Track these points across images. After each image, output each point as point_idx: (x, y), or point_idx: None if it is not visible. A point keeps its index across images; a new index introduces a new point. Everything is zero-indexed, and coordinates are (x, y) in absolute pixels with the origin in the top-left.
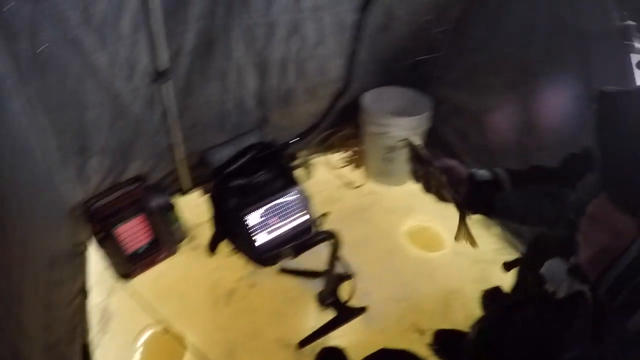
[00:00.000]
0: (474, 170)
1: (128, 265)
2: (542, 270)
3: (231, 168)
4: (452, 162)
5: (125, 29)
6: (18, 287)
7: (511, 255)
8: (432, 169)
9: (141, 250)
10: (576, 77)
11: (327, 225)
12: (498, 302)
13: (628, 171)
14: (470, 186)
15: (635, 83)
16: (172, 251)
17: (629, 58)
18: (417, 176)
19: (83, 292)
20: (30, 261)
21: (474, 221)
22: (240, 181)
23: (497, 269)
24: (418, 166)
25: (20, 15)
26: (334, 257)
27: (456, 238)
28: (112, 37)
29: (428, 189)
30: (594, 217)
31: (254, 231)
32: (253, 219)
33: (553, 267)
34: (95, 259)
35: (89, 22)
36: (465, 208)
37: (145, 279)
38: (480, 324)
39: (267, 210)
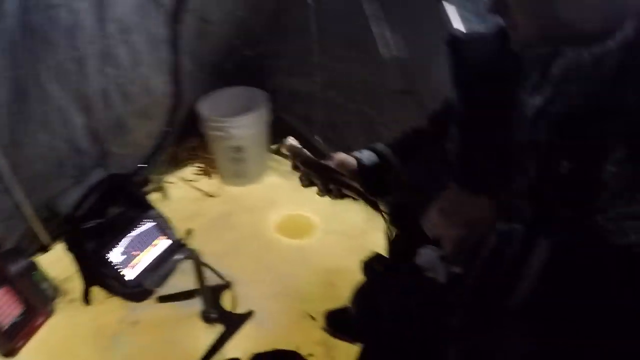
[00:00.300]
0: (357, 154)
1: (7, 342)
2: (418, 261)
3: (81, 211)
4: (340, 156)
5: None
6: None
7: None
8: (324, 170)
9: (16, 322)
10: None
11: (193, 240)
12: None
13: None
14: (361, 174)
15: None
16: (48, 313)
17: None
18: (309, 182)
19: None
20: None
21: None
22: (93, 222)
23: (372, 236)
24: (308, 171)
25: None
26: (200, 271)
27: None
28: None
29: (326, 191)
30: (445, 210)
31: (119, 269)
32: (115, 257)
33: (427, 257)
34: None
35: None
36: (371, 197)
37: (30, 350)
38: (356, 294)
39: (127, 243)
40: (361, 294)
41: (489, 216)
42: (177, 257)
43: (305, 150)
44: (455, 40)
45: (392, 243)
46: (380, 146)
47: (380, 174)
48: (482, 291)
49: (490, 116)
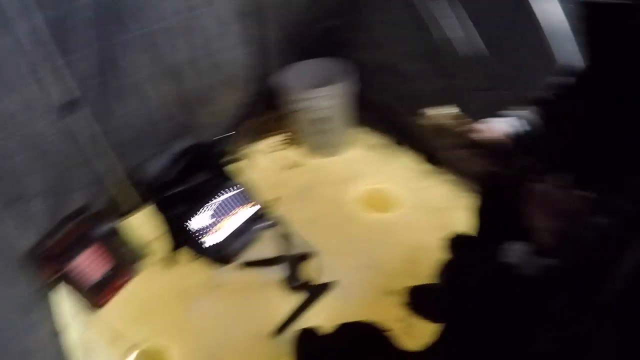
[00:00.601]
0: (501, 123)
1: (93, 296)
2: (506, 257)
3: (169, 177)
4: (484, 126)
5: (26, 68)
6: None
7: (466, 197)
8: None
9: (102, 279)
10: None
11: (277, 210)
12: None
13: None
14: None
15: None
16: (133, 272)
17: None
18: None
19: (58, 332)
20: None
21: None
22: (179, 189)
23: (456, 215)
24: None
25: None
26: (287, 240)
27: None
28: (16, 81)
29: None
30: (539, 202)
31: (205, 233)
32: (200, 222)
33: (514, 252)
34: (63, 298)
35: None
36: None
37: (115, 305)
38: (444, 271)
39: (211, 210)
40: (450, 272)
41: (587, 210)
42: (262, 224)
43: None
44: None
45: (483, 221)
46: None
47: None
48: (578, 283)
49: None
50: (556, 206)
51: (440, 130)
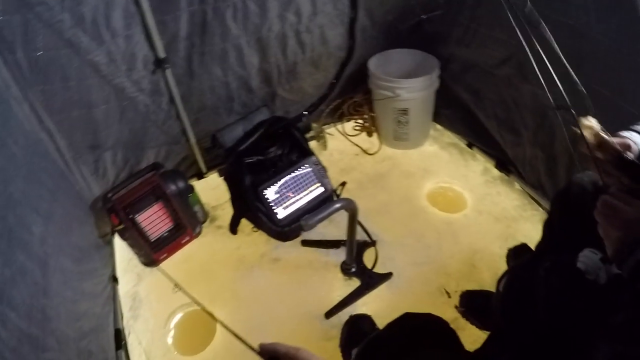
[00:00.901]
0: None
1: (153, 251)
2: (578, 264)
3: (244, 146)
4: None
5: (118, 23)
6: (43, 280)
7: (534, 210)
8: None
9: (164, 236)
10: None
11: (345, 195)
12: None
13: None
14: None
15: None
16: (195, 234)
17: None
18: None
19: (113, 280)
20: (54, 256)
21: (493, 177)
22: (254, 158)
23: (521, 226)
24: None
25: (11, 24)
26: (353, 224)
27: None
28: (107, 34)
29: None
30: (605, 213)
31: (272, 206)
32: (270, 194)
33: (587, 259)
34: (122, 248)
35: (81, 22)
36: None
37: (172, 263)
38: (507, 276)
39: (283, 184)
40: (515, 281)
41: None
42: (336, 205)
43: (610, 138)
44: None
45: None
46: None
47: None
48: None
49: None
50: (625, 216)
51: (596, 140)
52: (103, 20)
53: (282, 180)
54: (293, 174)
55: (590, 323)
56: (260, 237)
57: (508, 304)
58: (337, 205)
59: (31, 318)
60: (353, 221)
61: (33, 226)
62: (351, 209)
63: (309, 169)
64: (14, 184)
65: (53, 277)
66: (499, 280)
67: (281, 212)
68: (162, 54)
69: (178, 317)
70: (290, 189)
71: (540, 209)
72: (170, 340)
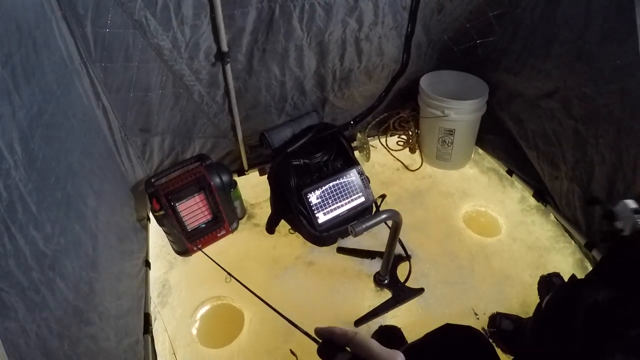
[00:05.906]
0: None
1: (189, 241)
2: (614, 208)
3: (292, 148)
4: None
5: (188, 12)
6: (93, 253)
7: (567, 243)
8: None
9: (202, 227)
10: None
11: (384, 208)
12: (564, 283)
13: None
14: None
15: None
16: (232, 229)
17: None
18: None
19: (147, 264)
20: (104, 231)
21: (532, 207)
22: (300, 161)
23: (553, 257)
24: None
25: None
26: (395, 237)
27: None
28: (176, 20)
29: None
30: None
31: (314, 210)
32: (313, 198)
33: (622, 207)
34: (156, 234)
35: (152, 5)
36: None
37: (204, 256)
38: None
39: (326, 190)
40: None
41: None
42: (384, 215)
43: None
44: None
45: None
46: None
47: None
48: None
49: None
50: None
51: None
52: (174, 7)
53: (326, 186)
54: (337, 181)
55: (609, 335)
56: (297, 239)
57: (549, 314)
58: (385, 216)
59: (78, 290)
60: (395, 233)
61: (88, 199)
62: (396, 221)
63: (353, 178)
64: (72, 155)
65: (102, 252)
66: (541, 302)
67: (321, 217)
68: (225, 47)
69: (205, 309)
70: (333, 196)
71: (573, 242)
72: (194, 332)
